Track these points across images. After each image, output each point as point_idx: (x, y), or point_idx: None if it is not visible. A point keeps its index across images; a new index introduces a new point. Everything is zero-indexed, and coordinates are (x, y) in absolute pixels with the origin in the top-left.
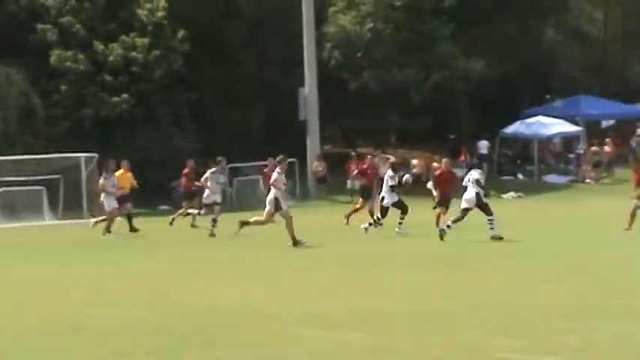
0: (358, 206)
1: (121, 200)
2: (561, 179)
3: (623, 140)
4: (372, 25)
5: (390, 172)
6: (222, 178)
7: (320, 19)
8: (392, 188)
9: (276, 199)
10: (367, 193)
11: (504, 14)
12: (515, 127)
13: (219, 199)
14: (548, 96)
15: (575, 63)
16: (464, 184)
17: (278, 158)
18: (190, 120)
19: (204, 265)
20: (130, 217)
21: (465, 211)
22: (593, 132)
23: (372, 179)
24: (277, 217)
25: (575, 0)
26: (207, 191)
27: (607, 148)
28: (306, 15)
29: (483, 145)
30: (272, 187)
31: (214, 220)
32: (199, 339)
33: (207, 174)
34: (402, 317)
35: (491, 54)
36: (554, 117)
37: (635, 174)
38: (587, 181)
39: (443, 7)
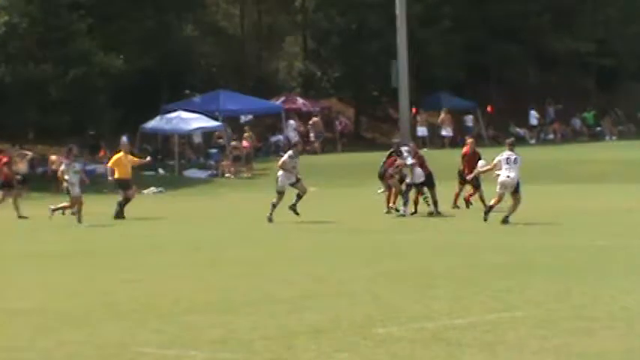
0: None
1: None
2: (202, 174)
3: (260, 135)
4: (7, 18)
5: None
6: None
7: None
8: None
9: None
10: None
11: (143, 9)
12: (155, 123)
13: None
14: (187, 91)
15: (214, 59)
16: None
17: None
18: None
19: None
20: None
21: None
22: (233, 127)
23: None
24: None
25: None
26: None
27: (245, 143)
28: None
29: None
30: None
31: None
32: None
33: None
34: (35, 316)
35: (130, 49)
36: (194, 112)
37: None
38: (227, 175)
39: (80, 1)
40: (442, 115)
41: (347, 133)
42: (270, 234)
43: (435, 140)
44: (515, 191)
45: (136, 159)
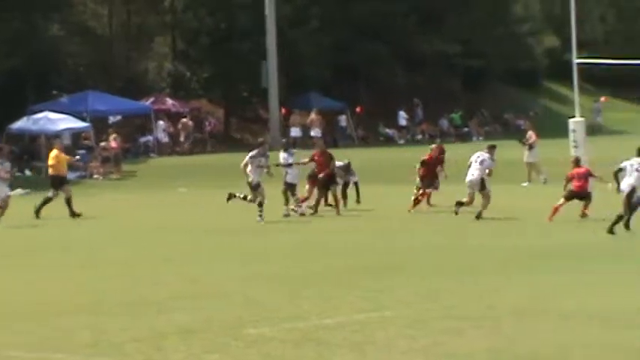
0: None
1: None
2: (70, 175)
3: (129, 136)
4: None
5: None
6: None
7: None
8: None
9: None
10: None
11: (10, 10)
12: (22, 123)
13: None
14: (55, 92)
15: (81, 59)
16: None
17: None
18: None
19: None
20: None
21: None
22: (101, 128)
23: None
24: None
25: None
26: None
27: (113, 144)
28: None
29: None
30: None
31: None
32: None
33: None
34: None
35: None
36: (61, 113)
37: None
38: (96, 176)
39: None
40: (312, 116)
41: (216, 133)
42: (141, 235)
43: (307, 141)
44: (482, 188)
45: (68, 157)
